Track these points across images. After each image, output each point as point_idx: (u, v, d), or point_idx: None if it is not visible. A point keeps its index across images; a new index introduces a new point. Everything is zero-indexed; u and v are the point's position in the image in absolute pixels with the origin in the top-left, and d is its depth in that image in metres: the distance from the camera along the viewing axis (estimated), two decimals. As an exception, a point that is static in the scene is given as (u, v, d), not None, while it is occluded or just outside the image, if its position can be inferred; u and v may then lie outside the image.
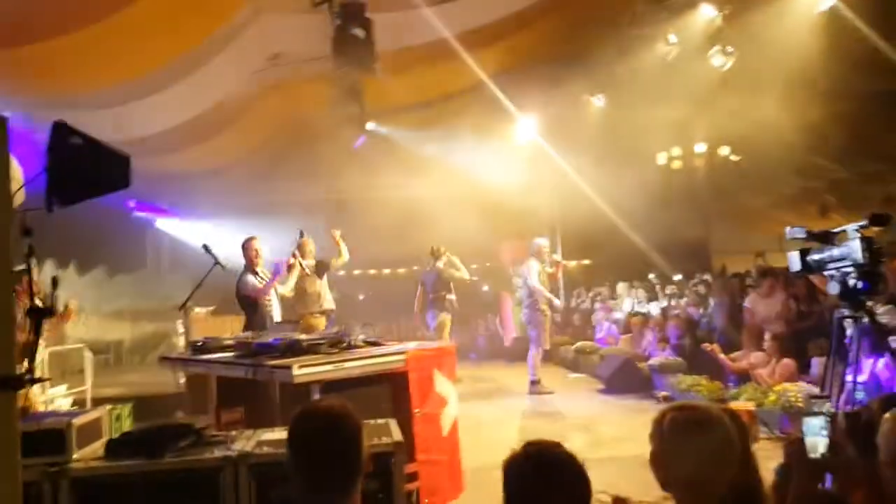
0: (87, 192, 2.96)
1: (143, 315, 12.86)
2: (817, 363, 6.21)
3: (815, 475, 2.04)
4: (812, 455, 2.04)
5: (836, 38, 8.68)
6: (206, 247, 6.55)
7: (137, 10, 7.42)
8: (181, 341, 6.97)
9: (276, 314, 6.78)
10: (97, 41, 7.55)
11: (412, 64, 10.60)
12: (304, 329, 6.74)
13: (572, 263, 15.01)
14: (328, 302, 7.53)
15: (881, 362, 5.26)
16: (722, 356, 7.69)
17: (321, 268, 7.49)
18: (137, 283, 13.65)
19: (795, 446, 2.05)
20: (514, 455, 1.91)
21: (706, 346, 7.96)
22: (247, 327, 6.53)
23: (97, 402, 6.44)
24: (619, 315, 11.97)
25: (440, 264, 9.81)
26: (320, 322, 7.36)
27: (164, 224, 14.74)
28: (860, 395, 3.79)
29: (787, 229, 3.05)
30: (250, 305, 6.70)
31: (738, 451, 1.92)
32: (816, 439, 2.03)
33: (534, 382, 9.02)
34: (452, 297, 9.87)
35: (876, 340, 4.39)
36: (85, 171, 2.92)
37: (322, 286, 7.52)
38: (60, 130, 2.89)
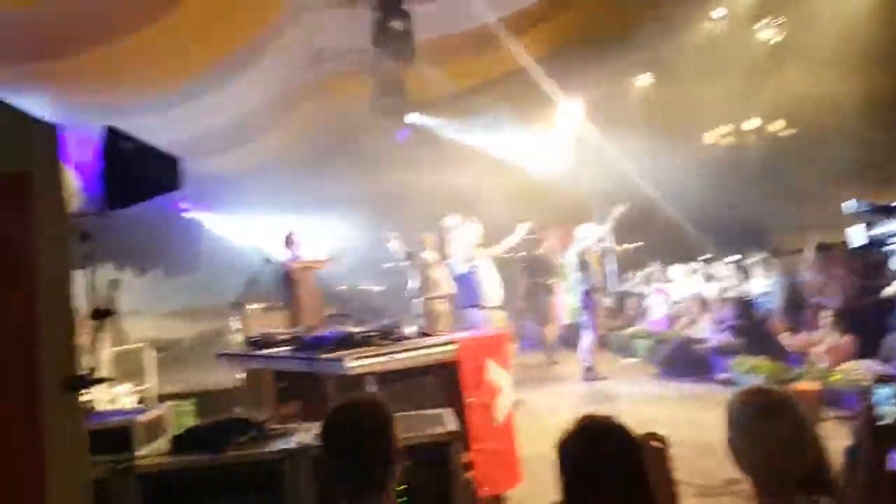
0: (140, 195, 3.03)
1: (199, 313, 13.23)
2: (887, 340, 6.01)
3: (885, 442, 1.96)
4: (881, 423, 1.96)
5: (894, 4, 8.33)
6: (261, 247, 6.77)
7: (179, 16, 7.57)
8: (238, 338, 7.12)
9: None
10: (142, 48, 7.72)
11: (453, 52, 10.56)
12: (427, 313, 8.22)
13: (619, 248, 14.78)
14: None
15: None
16: (780, 335, 7.50)
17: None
18: (193, 282, 14.04)
19: (864, 413, 1.97)
20: (565, 433, 1.93)
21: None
22: None
23: (162, 398, 6.63)
24: (672, 297, 11.75)
25: (541, 250, 9.97)
26: (439, 305, 8.42)
27: (217, 224, 14.99)
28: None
29: (851, 202, 2.92)
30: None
31: (813, 434, 1.89)
32: (886, 408, 1.94)
33: (588, 368, 8.93)
34: (553, 281, 10.01)
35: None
36: (136, 174, 2.98)
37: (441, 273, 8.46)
38: (111, 135, 2.96)
